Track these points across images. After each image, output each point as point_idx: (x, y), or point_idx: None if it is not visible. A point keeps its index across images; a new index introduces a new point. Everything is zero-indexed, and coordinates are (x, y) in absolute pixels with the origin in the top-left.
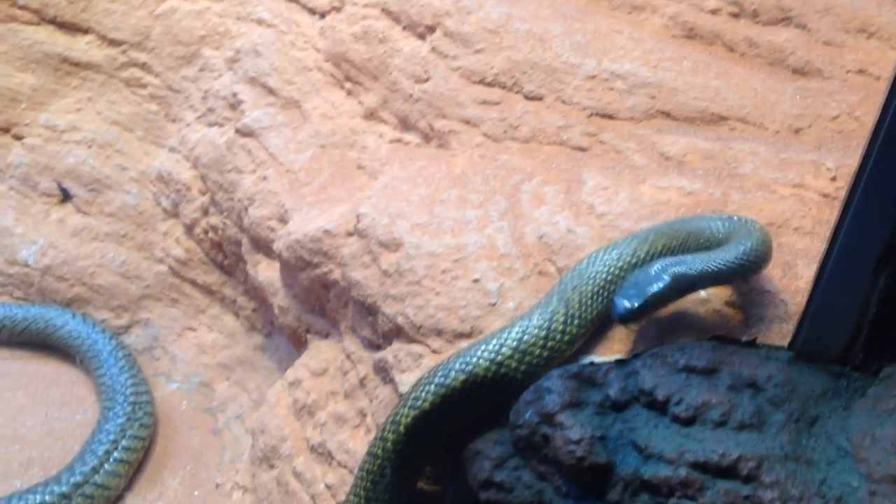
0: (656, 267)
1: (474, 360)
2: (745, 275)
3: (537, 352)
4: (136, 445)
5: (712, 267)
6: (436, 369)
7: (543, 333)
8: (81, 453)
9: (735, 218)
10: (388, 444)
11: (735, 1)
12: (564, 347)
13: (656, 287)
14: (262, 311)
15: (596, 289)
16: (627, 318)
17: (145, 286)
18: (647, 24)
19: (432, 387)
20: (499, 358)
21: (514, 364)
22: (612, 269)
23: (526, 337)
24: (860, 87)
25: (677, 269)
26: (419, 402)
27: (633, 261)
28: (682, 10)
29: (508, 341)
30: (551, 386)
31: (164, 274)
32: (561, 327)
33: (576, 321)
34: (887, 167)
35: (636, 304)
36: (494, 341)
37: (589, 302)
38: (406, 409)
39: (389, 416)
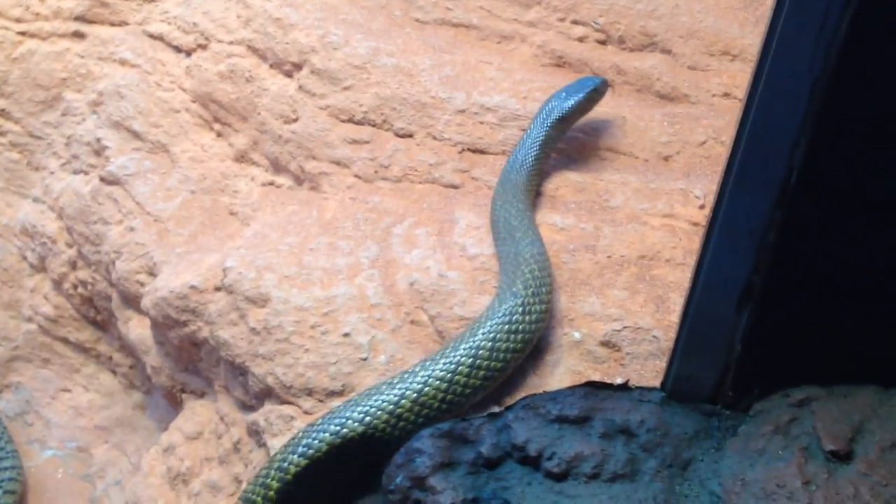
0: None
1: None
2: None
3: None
4: None
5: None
6: (294, 439)
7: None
8: None
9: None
10: None
11: (601, 28)
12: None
13: None
14: (139, 367)
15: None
16: None
17: (14, 347)
18: (516, 53)
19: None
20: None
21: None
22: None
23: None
24: (726, 110)
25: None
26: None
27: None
28: (550, 38)
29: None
30: (422, 447)
31: (33, 333)
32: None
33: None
34: (742, 201)
35: None
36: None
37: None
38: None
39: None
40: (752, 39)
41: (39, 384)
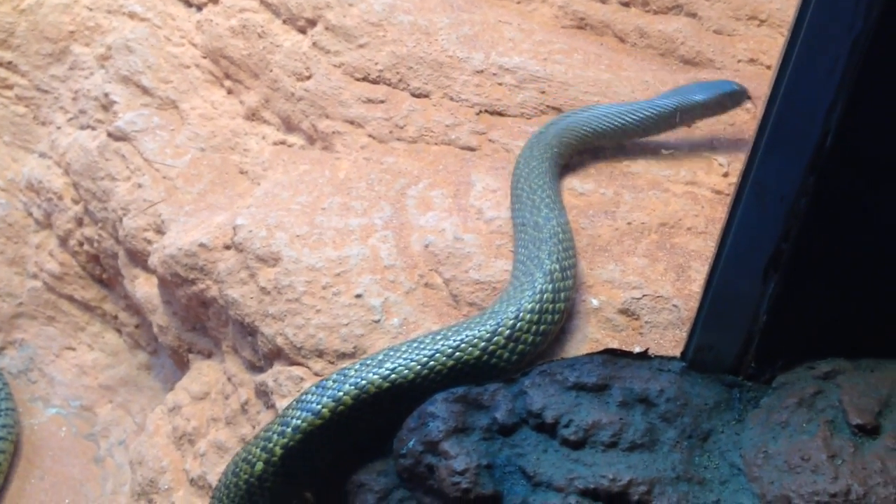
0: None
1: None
2: None
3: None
4: None
5: None
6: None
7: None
8: None
9: None
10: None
11: None
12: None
13: None
14: (145, 327)
15: None
16: None
17: (18, 304)
18: (536, 14)
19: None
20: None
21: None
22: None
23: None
24: (751, 76)
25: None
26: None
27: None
28: None
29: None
30: (435, 411)
31: (38, 290)
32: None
33: None
34: (773, 167)
35: None
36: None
37: None
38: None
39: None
40: (780, 4)
41: (44, 342)
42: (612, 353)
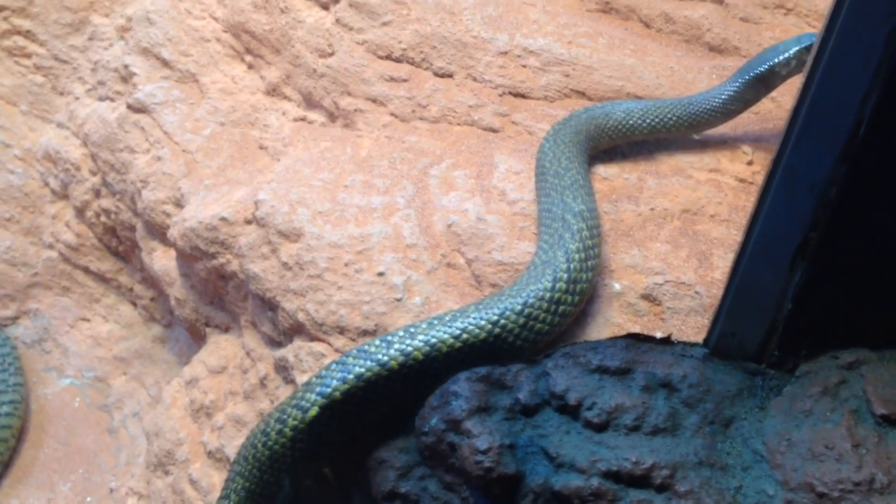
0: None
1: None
2: None
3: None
4: None
5: None
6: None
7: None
8: None
9: None
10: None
11: None
12: None
13: None
14: (160, 300)
15: None
16: None
17: (33, 273)
18: None
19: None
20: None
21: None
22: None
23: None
24: None
25: None
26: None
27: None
28: None
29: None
30: (458, 390)
31: (54, 260)
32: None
33: None
34: (805, 155)
35: None
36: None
37: None
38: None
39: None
40: None
41: (58, 312)
42: (634, 338)
